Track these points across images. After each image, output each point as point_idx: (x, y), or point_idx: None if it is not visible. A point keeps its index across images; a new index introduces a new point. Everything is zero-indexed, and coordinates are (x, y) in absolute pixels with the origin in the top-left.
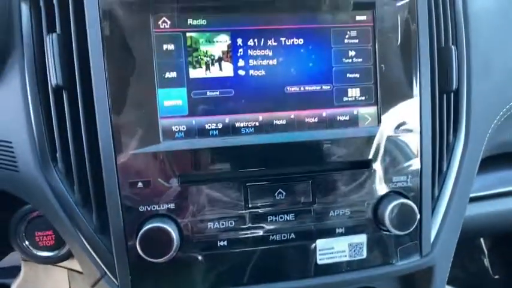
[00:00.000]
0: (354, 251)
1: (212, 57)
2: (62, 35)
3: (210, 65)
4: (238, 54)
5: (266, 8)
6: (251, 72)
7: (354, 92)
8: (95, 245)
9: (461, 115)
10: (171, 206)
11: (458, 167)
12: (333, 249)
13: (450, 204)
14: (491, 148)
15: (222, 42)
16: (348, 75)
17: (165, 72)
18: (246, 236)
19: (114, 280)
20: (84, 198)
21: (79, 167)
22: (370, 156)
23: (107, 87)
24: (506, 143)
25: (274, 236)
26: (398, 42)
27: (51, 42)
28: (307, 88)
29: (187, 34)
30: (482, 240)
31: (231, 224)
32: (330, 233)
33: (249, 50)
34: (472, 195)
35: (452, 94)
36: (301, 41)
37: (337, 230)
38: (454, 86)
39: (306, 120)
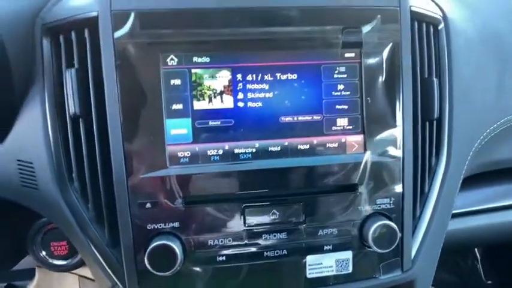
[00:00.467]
0: (341, 266)
1: (214, 90)
2: (80, 70)
3: (213, 97)
4: (238, 88)
5: (263, 46)
6: (249, 104)
7: (342, 122)
8: (106, 258)
9: (443, 140)
10: (176, 224)
11: (439, 188)
12: (321, 265)
13: (431, 223)
14: (474, 168)
15: (224, 77)
16: (337, 106)
17: (172, 104)
18: (243, 252)
19: None
20: (98, 215)
21: (93, 187)
22: (356, 181)
23: (120, 117)
24: (486, 164)
25: (268, 252)
26: (383, 77)
27: (70, 76)
28: (299, 118)
29: (193, 70)
30: (476, 249)
31: (229, 241)
32: (318, 249)
33: (247, 84)
34: (464, 210)
35: (434, 122)
36: (294, 76)
37: (325, 247)
38: (436, 115)
39: (299, 147)
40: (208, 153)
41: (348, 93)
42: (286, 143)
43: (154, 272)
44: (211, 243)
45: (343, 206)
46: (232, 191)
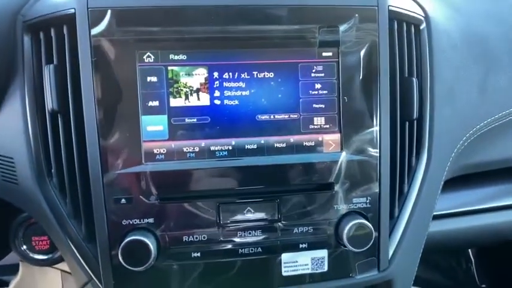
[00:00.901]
0: (316, 264)
1: (191, 88)
2: (59, 66)
3: (189, 95)
4: (215, 86)
5: (240, 45)
6: (226, 101)
7: (319, 121)
8: (83, 252)
9: (423, 141)
10: (151, 220)
11: (419, 189)
12: (296, 263)
13: (409, 223)
14: (456, 170)
15: (200, 75)
16: (314, 105)
17: (148, 101)
18: (218, 249)
19: (99, 284)
20: (75, 210)
21: (71, 183)
22: (333, 180)
23: (96, 113)
24: (470, 166)
25: (243, 249)
26: (361, 76)
27: (48, 72)
28: (276, 117)
29: (169, 68)
30: (469, 250)
31: (204, 237)
32: (294, 247)
33: (224, 82)
34: (449, 211)
35: (415, 122)
36: (271, 75)
37: (301, 245)
38: (415, 115)
39: (275, 145)
40: (184, 150)
41: (325, 92)
42: (262, 141)
43: (128, 267)
44: (186, 239)
45: (319, 204)
46: (208, 188)
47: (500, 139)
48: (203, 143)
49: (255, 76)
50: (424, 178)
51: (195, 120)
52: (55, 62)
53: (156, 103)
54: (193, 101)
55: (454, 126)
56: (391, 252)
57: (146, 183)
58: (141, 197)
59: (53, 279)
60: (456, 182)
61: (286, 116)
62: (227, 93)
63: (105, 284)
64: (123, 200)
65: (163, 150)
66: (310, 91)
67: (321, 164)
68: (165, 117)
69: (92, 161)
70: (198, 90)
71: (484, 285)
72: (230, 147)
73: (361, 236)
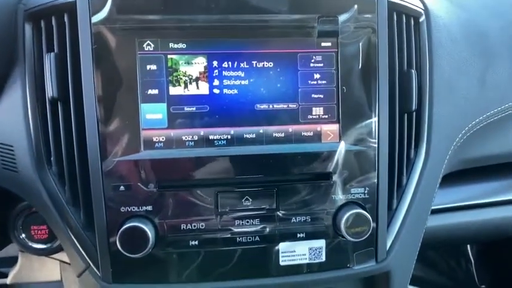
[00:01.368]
0: (314, 254)
1: (190, 76)
2: (59, 54)
3: (188, 83)
4: (214, 75)
5: (239, 34)
6: (225, 90)
7: (317, 111)
8: (81, 240)
9: (422, 133)
10: (149, 208)
11: (417, 181)
12: (294, 252)
13: (407, 216)
14: (455, 164)
15: (200, 63)
16: (313, 95)
17: (148, 89)
18: (216, 237)
19: (97, 272)
20: (74, 197)
21: (70, 170)
22: (331, 169)
23: (96, 101)
24: (469, 160)
25: (241, 238)
26: (360, 66)
27: (49, 60)
28: (275, 106)
29: (169, 56)
30: (469, 249)
31: (202, 226)
32: (291, 237)
33: (223, 71)
34: (448, 205)
35: (414, 114)
36: (270, 64)
37: (298, 235)
38: (414, 107)
39: (274, 135)
40: (183, 138)
41: (324, 82)
42: (261, 131)
43: (126, 254)
44: (184, 227)
45: (317, 194)
46: (206, 177)
47: (499, 133)
48: (202, 131)
49: (254, 65)
50: (423, 171)
51: (194, 108)
52: (56, 50)
53: (155, 91)
54: (192, 90)
55: (453, 119)
56: (389, 244)
57: (145, 171)
58: (139, 184)
59: (52, 270)
60: (455, 177)
61: (285, 106)
62: (226, 82)
63: (102, 271)
64: (121, 188)
65: (163, 139)
66: (309, 81)
67: (319, 154)
68: (164, 105)
69: (91, 148)
70: (197, 79)
71: (483, 286)
72: (229, 136)
73: (359, 226)
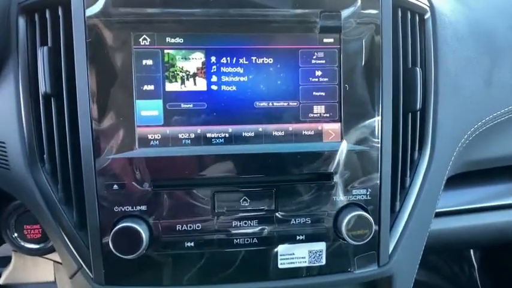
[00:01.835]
0: (314, 257)
1: (187, 72)
2: (53, 48)
3: (185, 79)
4: (212, 71)
5: (239, 29)
6: (223, 87)
7: (319, 109)
8: (73, 240)
9: (426, 133)
10: (143, 207)
11: (421, 184)
12: (293, 255)
13: (411, 219)
14: (459, 166)
15: (197, 59)
16: (314, 93)
17: (143, 85)
18: (212, 238)
19: (89, 273)
20: (66, 196)
21: (63, 168)
22: (332, 170)
23: (90, 97)
24: (474, 162)
25: (238, 240)
26: (363, 64)
27: (42, 54)
28: (275, 104)
29: (165, 51)
30: (472, 254)
31: (198, 227)
32: (291, 239)
33: (221, 67)
34: (452, 209)
35: (418, 113)
36: (270, 60)
37: (298, 237)
38: (419, 106)
39: (273, 133)
40: (180, 136)
41: (325, 79)
42: (260, 129)
43: (119, 255)
44: (179, 228)
45: (318, 195)
46: (203, 176)
47: (505, 135)
48: (199, 129)
49: (254, 61)
50: (427, 172)
51: (191, 105)
52: (49, 44)
53: (151, 87)
54: (189, 86)
55: (458, 119)
56: (391, 247)
57: (139, 169)
58: (133, 183)
59: (45, 270)
60: (459, 180)
61: (285, 104)
62: (224, 78)
63: (95, 272)
64: (115, 186)
65: (158, 136)
66: (311, 78)
67: (320, 154)
68: (160, 102)
69: (84, 145)
70: (194, 75)
71: None
72: (227, 134)
73: (361, 229)
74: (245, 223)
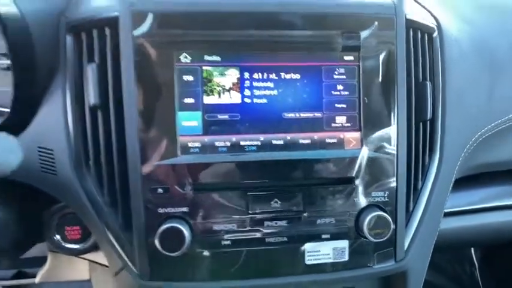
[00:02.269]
0: (337, 254)
1: (223, 87)
2: (100, 64)
3: (222, 93)
4: (245, 85)
5: (269, 48)
6: (255, 100)
7: (341, 119)
8: (119, 240)
9: (436, 140)
10: (185, 209)
11: (431, 186)
12: (319, 252)
13: (423, 218)
14: (464, 170)
15: (232, 75)
16: (336, 105)
17: (184, 98)
18: (246, 237)
19: (135, 270)
20: (112, 200)
21: (108, 174)
22: (353, 174)
23: (136, 109)
24: (478, 166)
25: (270, 238)
26: (380, 79)
27: (91, 70)
28: (301, 115)
29: (204, 68)
30: (473, 254)
31: (234, 226)
32: (316, 238)
33: (254, 82)
34: (458, 209)
35: (428, 122)
36: (297, 76)
37: (323, 236)
38: (429, 116)
39: (300, 141)
40: (216, 144)
41: (346, 93)
42: (288, 137)
43: (164, 253)
44: (217, 228)
45: (341, 197)
46: (238, 180)
47: (506, 141)
48: (234, 138)
49: (283, 77)
50: (437, 176)
51: (226, 116)
52: (96, 60)
53: (191, 100)
54: (225, 99)
55: (463, 128)
56: (406, 244)
57: (181, 174)
58: (176, 187)
59: (81, 270)
60: (464, 182)
61: (311, 115)
62: (256, 92)
63: (140, 269)
64: (159, 190)
65: (198, 144)
66: (333, 92)
67: (342, 160)
68: (199, 113)
69: (131, 153)
70: (230, 89)
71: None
72: (259, 143)
73: (380, 228)
74: (276, 223)
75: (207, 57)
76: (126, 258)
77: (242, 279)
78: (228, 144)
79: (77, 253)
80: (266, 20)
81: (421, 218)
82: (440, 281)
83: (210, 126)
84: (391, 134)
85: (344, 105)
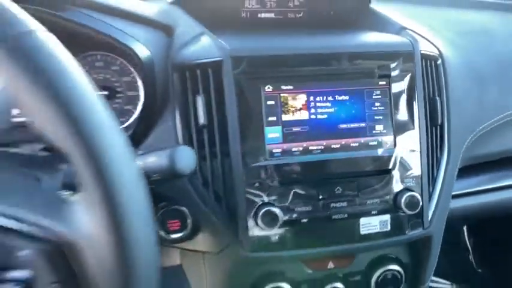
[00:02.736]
0: (383, 225)
1: (295, 107)
2: (204, 94)
3: (294, 112)
4: (311, 106)
5: (327, 78)
6: (318, 116)
7: (379, 127)
8: (224, 224)
9: (444, 140)
10: (275, 197)
11: (443, 174)
12: (370, 224)
13: (440, 197)
14: (466, 160)
15: (301, 99)
16: (375, 117)
17: (269, 117)
18: (319, 216)
19: (238, 247)
20: (216, 195)
21: (213, 177)
22: (390, 167)
23: (237, 127)
24: (477, 157)
25: (335, 216)
26: (405, 97)
27: (200, 100)
28: (351, 125)
29: (281, 94)
30: (466, 234)
31: (309, 208)
32: (367, 214)
33: (317, 103)
34: (463, 191)
35: (438, 127)
36: (347, 97)
37: (372, 212)
38: (439, 122)
39: (351, 145)
40: (293, 149)
41: (382, 108)
42: (343, 142)
43: (263, 230)
44: (298, 210)
45: (383, 184)
46: (310, 175)
47: (498, 136)
48: (304, 144)
49: (337, 99)
50: (446, 166)
51: (299, 129)
52: (201, 93)
53: (274, 118)
54: (297, 116)
55: (464, 128)
56: (430, 216)
57: (270, 172)
58: (267, 181)
59: (173, 257)
60: (465, 171)
61: (357, 125)
62: (319, 110)
63: (245, 244)
64: (256, 184)
65: (279, 150)
66: (372, 107)
67: (382, 157)
68: (279, 127)
69: (234, 158)
70: (300, 109)
71: (480, 270)
72: (322, 147)
73: (413, 204)
74: (339, 204)
75: (283, 87)
76: (230, 239)
77: (317, 247)
78: (301, 149)
79: (176, 242)
80: (324, 59)
81: (438, 197)
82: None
83: (287, 137)
84: (415, 136)
85: (381, 117)
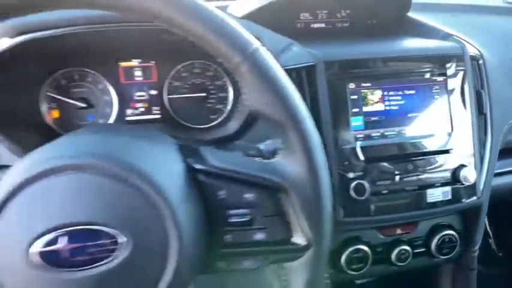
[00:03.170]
0: (445, 195)
1: (373, 100)
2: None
3: (373, 104)
4: (385, 99)
5: (398, 76)
6: (391, 107)
7: (439, 116)
8: None
9: (487, 125)
10: (361, 173)
11: (489, 154)
12: (434, 194)
13: (487, 173)
14: (505, 143)
15: (378, 94)
16: (436, 107)
17: (353, 108)
18: (395, 187)
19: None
20: None
21: None
22: (449, 147)
23: (330, 117)
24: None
25: (407, 187)
26: (459, 90)
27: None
28: (418, 114)
29: (362, 90)
30: (486, 219)
31: (387, 181)
32: (432, 186)
33: (390, 97)
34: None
35: (483, 115)
36: (413, 92)
37: (436, 184)
38: (485, 111)
39: (418, 130)
40: (372, 134)
41: (441, 100)
42: (412, 128)
43: (356, 198)
44: (379, 183)
45: (444, 161)
46: (387, 154)
47: None
48: (382, 130)
49: (406, 93)
50: (491, 147)
51: (377, 118)
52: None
53: (357, 109)
54: (375, 107)
55: (502, 116)
56: (481, 188)
57: (356, 152)
58: (354, 161)
59: None
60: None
61: (423, 113)
62: (392, 102)
63: (339, 210)
64: (346, 163)
65: (362, 135)
66: (434, 99)
67: (442, 139)
68: (361, 117)
69: (328, 142)
70: (377, 102)
71: (500, 254)
72: (396, 132)
73: (469, 176)
74: (410, 178)
75: (363, 84)
76: None
77: (394, 213)
78: (379, 134)
79: None
80: (394, 61)
81: (486, 173)
82: None
83: (368, 124)
84: (467, 122)
85: (440, 107)
